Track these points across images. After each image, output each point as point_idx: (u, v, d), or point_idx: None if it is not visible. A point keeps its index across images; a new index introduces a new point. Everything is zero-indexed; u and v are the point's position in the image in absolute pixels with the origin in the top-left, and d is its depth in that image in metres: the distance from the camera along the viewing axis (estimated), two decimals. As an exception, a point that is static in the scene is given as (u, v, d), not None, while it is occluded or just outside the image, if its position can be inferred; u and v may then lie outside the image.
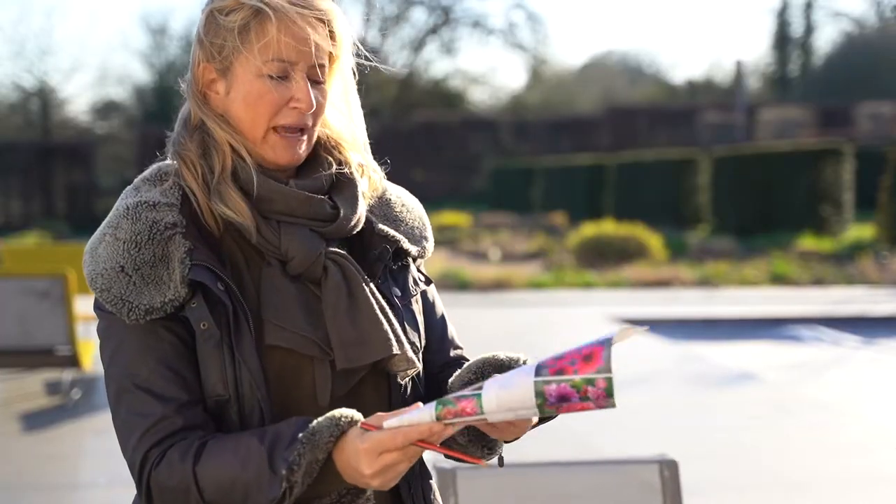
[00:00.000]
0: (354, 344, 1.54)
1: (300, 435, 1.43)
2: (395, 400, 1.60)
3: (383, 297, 1.61)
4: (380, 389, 1.60)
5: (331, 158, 1.64)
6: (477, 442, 1.59)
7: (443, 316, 1.76)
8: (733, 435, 6.81)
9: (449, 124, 35.11)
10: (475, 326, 10.57)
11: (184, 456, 1.46)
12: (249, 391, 1.50)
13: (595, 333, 1.49)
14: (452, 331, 1.77)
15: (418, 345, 1.64)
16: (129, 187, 1.61)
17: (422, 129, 34.18)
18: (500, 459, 1.62)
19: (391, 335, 1.56)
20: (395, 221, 1.70)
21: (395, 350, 1.56)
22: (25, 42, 46.82)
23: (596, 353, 1.30)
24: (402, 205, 1.74)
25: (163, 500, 1.48)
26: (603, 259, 16.38)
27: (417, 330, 1.65)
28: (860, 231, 19.01)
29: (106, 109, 41.68)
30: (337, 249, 1.58)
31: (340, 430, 1.43)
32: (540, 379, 1.33)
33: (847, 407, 7.58)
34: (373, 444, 1.40)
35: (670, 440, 6.50)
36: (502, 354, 1.59)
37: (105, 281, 1.52)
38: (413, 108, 36.64)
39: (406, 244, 1.67)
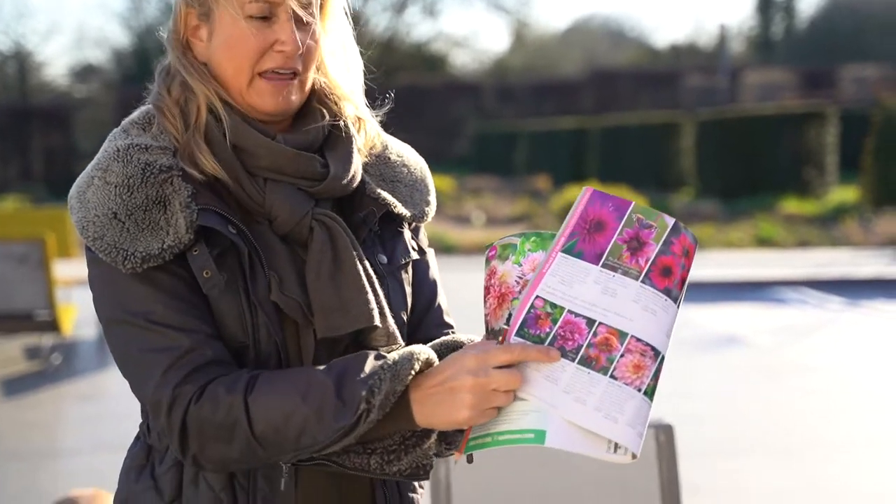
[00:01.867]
0: (336, 312, 1.45)
1: (381, 362, 1.36)
2: None
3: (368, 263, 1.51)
4: None
5: (325, 111, 1.53)
6: (439, 438, 1.48)
7: (434, 286, 1.64)
8: (722, 399, 6.78)
9: (431, 88, 34.88)
10: (458, 290, 10.49)
11: (232, 388, 1.37)
12: (266, 336, 1.43)
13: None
14: (444, 304, 1.66)
15: (403, 318, 1.55)
16: (116, 129, 1.51)
17: (404, 92, 33.97)
18: (470, 457, 1.46)
19: (374, 305, 1.47)
20: (393, 182, 1.59)
21: (377, 322, 1.47)
22: (1, 4, 46.16)
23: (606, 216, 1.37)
24: (403, 164, 1.63)
25: (202, 438, 1.38)
26: (587, 222, 16.28)
27: (403, 302, 1.56)
28: (844, 194, 19.01)
29: (84, 73, 41.21)
30: (326, 210, 1.49)
31: (420, 363, 1.36)
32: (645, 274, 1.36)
33: (834, 370, 7.57)
34: (486, 354, 1.33)
35: (658, 405, 6.44)
36: (464, 337, 1.50)
37: (97, 229, 1.41)
38: (395, 71, 36.41)
39: (399, 208, 1.56)
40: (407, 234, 1.60)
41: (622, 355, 1.31)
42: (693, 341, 8.54)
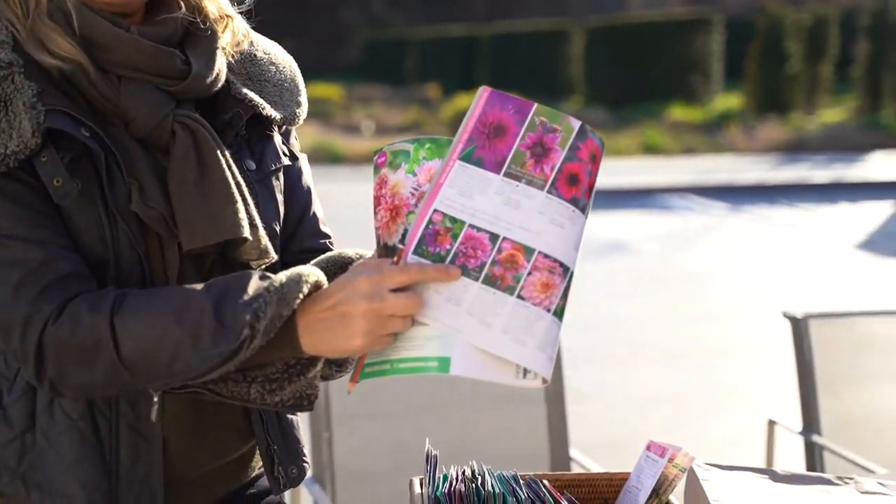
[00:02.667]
0: (202, 223, 1.34)
1: (266, 283, 1.25)
2: None
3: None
4: None
5: (184, 4, 1.40)
6: (327, 361, 1.39)
7: (308, 194, 1.54)
8: (609, 306, 6.84)
9: (318, -7, 34.06)
10: (349, 203, 10.36)
11: (95, 307, 1.25)
12: (128, 249, 1.31)
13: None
14: (319, 213, 1.56)
15: (275, 229, 1.45)
16: None
17: (291, -2, 33.09)
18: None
19: (243, 216, 1.36)
20: (260, 82, 1.47)
21: (246, 233, 1.36)
22: None
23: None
24: (271, 63, 1.51)
25: (61, 362, 1.26)
26: (477, 131, 16.25)
27: (275, 212, 1.46)
28: (728, 101, 19.31)
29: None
30: (188, 112, 1.37)
31: (308, 286, 1.25)
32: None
33: (718, 275, 7.71)
34: (382, 275, 1.22)
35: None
36: (351, 251, 1.41)
37: None
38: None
39: (268, 110, 1.45)
40: (277, 138, 1.49)
41: (529, 273, 1.22)
42: (581, 249, 8.60)
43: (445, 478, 1.39)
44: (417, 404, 2.46)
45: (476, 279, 1.22)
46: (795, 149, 15.29)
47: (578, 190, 1.25)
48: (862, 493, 1.44)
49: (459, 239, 1.23)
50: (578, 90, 21.22)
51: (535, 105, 1.27)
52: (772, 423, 2.95)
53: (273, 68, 1.50)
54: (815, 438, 2.74)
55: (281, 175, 1.49)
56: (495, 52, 23.43)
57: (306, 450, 1.55)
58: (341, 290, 1.25)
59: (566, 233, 1.25)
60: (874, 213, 10.83)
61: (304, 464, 1.53)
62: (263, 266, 1.40)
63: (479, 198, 1.24)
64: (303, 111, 1.51)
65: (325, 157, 13.90)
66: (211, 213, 1.34)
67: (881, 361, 2.92)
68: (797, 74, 18.18)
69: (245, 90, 1.44)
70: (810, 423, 2.78)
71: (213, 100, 1.42)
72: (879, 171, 13.38)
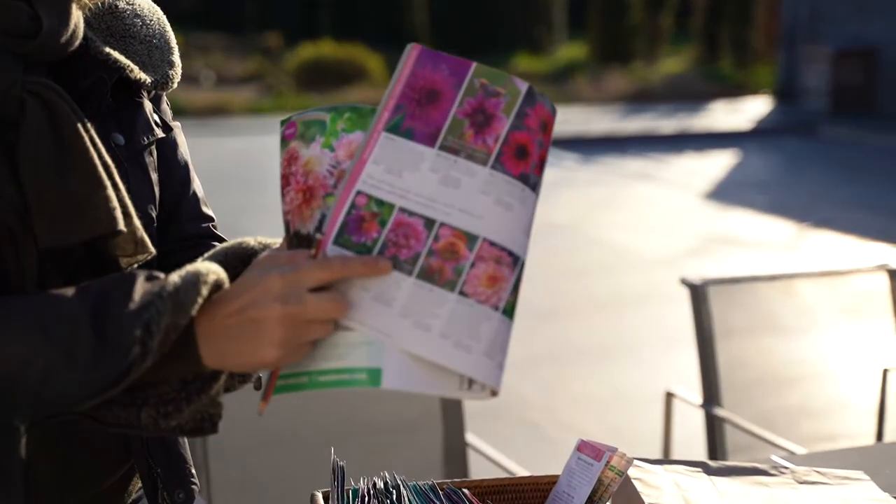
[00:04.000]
0: (65, 214, 1.08)
1: (156, 287, 0.99)
2: None
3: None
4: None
5: None
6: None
7: (186, 170, 1.32)
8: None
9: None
10: (190, 157, 9.96)
11: None
12: None
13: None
14: (199, 192, 1.34)
15: (151, 215, 1.22)
16: None
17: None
18: (258, 381, 1.22)
19: (115, 204, 1.10)
20: (125, 39, 1.23)
21: (121, 226, 1.10)
22: None
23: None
24: (136, 15, 1.26)
25: None
26: (323, 82, 16.04)
27: (150, 194, 1.23)
28: (572, 51, 19.51)
29: None
30: (40, 79, 1.11)
31: (207, 287, 1.01)
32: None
33: (581, 229, 7.70)
34: (298, 272, 0.99)
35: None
36: (252, 240, 1.18)
37: None
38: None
39: (136, 72, 1.21)
40: (147, 106, 1.26)
41: (472, 265, 1.01)
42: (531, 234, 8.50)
43: (355, 493, 1.23)
44: (314, 414, 2.21)
45: (409, 273, 1.00)
46: (640, 98, 15.54)
47: (527, 165, 1.04)
48: (800, 483, 1.40)
49: (388, 226, 1.01)
50: (424, 39, 21.09)
51: (475, 64, 1.05)
52: (670, 396, 2.85)
53: (139, 21, 1.25)
54: (718, 412, 2.65)
55: (154, 149, 1.25)
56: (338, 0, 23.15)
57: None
58: (249, 291, 1.01)
59: (515, 216, 1.03)
60: (719, 162, 11.08)
61: (193, 486, 1.31)
62: (139, 263, 1.15)
63: (409, 176, 1.02)
64: (176, 72, 1.27)
65: (164, 110, 13.43)
66: (76, 203, 1.08)
67: (777, 328, 2.86)
68: (638, 25, 18.49)
69: (108, 49, 1.19)
70: (711, 395, 2.68)
71: (68, 63, 1.16)
72: (721, 120, 13.74)
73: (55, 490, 1.19)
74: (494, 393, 1.01)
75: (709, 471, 1.42)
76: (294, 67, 16.85)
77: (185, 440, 1.32)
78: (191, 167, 1.34)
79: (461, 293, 1.00)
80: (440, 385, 1.00)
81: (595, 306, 5.80)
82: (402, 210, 1.01)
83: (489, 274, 1.01)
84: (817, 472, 1.42)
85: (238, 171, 9.80)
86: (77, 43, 1.16)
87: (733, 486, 1.37)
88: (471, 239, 1.01)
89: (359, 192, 1.01)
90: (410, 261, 1.00)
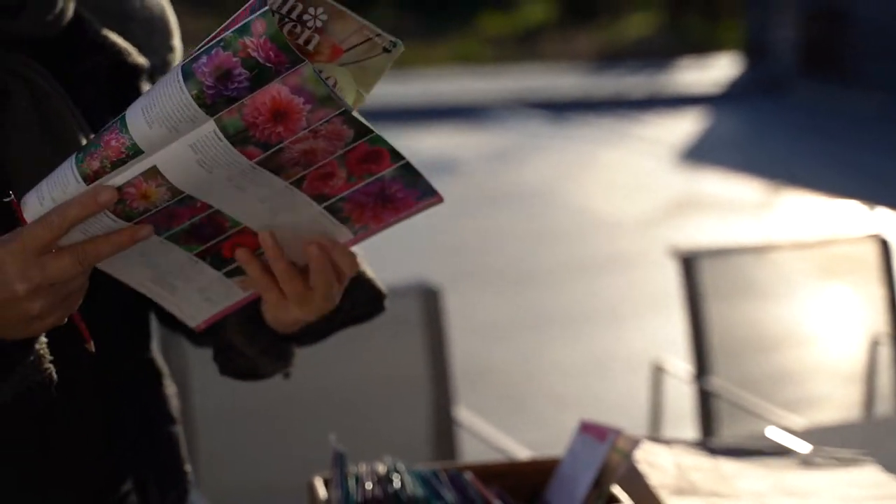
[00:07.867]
0: None
1: None
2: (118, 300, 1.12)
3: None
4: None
5: None
6: (270, 351, 1.15)
7: None
8: (445, 231, 6.63)
9: None
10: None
11: None
12: None
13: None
14: None
15: None
16: None
17: None
18: (287, 374, 1.20)
19: None
20: (122, 19, 1.17)
21: None
22: None
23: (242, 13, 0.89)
24: None
25: None
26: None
27: None
28: (536, 10, 19.46)
29: None
30: (25, 60, 1.08)
31: None
32: (187, 60, 0.89)
33: (556, 193, 7.66)
34: (22, 241, 0.92)
35: (369, 244, 6.27)
36: None
37: None
38: None
39: (135, 56, 1.15)
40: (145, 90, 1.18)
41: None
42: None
43: (356, 479, 1.23)
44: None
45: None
46: (608, 57, 15.48)
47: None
48: (805, 464, 1.42)
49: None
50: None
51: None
52: (658, 370, 2.81)
53: (137, 2, 1.19)
54: (710, 382, 2.61)
55: None
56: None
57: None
58: None
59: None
60: (692, 122, 11.08)
61: (187, 484, 1.26)
62: None
63: None
64: (176, 57, 1.21)
65: None
66: None
67: (767, 296, 2.83)
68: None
69: (105, 32, 1.13)
70: (703, 368, 2.63)
71: (61, 44, 1.10)
72: (690, 79, 13.73)
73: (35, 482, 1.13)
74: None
75: (713, 452, 1.43)
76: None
77: (180, 437, 1.26)
78: None
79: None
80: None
81: (571, 272, 5.77)
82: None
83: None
84: (821, 455, 1.44)
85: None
86: (66, 21, 1.11)
87: (739, 469, 1.38)
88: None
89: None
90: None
